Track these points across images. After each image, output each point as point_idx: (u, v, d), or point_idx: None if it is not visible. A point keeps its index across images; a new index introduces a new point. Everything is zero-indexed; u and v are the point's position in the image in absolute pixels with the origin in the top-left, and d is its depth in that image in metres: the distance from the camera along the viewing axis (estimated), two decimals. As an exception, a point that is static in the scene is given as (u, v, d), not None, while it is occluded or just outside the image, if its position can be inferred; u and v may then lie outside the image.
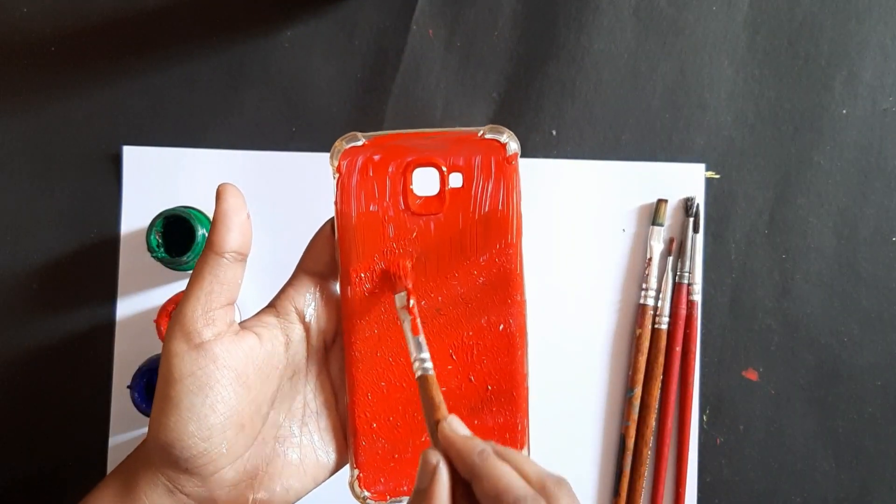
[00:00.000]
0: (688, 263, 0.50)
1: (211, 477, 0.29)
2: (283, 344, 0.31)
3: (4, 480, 0.48)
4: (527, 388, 0.32)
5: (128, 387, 0.45)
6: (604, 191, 0.50)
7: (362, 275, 0.31)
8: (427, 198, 0.31)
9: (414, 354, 0.29)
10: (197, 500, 0.29)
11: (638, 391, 0.50)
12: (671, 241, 0.50)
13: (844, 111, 0.51)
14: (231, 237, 0.29)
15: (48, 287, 0.49)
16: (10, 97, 0.49)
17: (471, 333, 0.31)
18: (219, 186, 0.30)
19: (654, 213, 0.50)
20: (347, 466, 0.32)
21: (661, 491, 0.50)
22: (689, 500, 0.50)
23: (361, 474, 0.32)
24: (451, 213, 0.31)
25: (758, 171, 0.51)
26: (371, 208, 0.31)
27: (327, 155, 0.50)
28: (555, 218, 0.50)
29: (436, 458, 0.26)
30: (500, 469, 0.25)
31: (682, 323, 0.50)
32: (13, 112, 0.49)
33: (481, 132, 0.30)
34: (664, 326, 0.50)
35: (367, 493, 0.31)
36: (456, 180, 0.31)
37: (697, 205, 0.50)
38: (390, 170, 0.30)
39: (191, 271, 0.47)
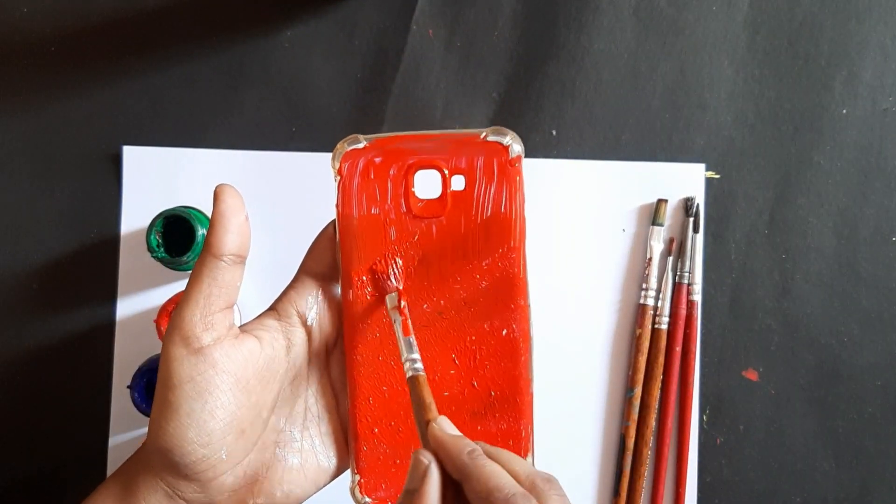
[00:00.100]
0: (688, 263, 0.50)
1: (210, 482, 0.29)
2: (285, 347, 0.30)
3: (4, 480, 0.48)
4: (531, 395, 0.31)
5: (128, 387, 0.45)
6: (604, 191, 0.50)
7: (364, 278, 0.31)
8: (429, 200, 0.30)
9: (405, 355, 0.29)
10: None
11: (638, 391, 0.50)
12: (671, 241, 0.50)
13: (844, 111, 0.51)
14: (229, 239, 0.29)
15: (48, 287, 0.49)
16: (10, 97, 0.49)
17: (473, 338, 0.31)
18: (216, 187, 0.29)
19: (654, 213, 0.50)
20: (348, 471, 0.32)
21: (661, 491, 0.50)
22: (689, 500, 0.50)
23: (362, 480, 0.31)
24: (453, 216, 0.30)
25: (758, 171, 0.51)
26: (373, 211, 0.30)
27: (327, 155, 0.49)
28: (555, 218, 0.50)
29: (427, 458, 0.26)
30: (490, 468, 0.25)
31: (682, 323, 0.50)
32: (13, 112, 0.49)
33: (484, 134, 0.30)
34: (664, 326, 0.50)
35: (368, 499, 0.31)
36: (458, 183, 0.30)
37: (697, 205, 0.50)
38: (392, 172, 0.30)
39: (190, 271, 0.47)
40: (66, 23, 0.49)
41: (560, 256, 0.50)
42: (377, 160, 0.30)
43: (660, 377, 0.50)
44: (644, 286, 0.50)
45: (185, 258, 0.44)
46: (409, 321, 0.29)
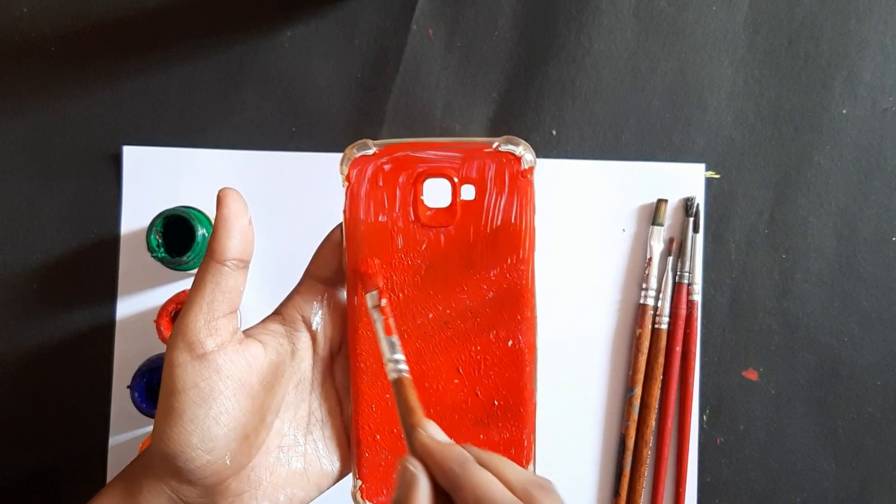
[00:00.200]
0: (688, 263, 0.50)
1: (214, 487, 0.29)
2: (289, 353, 0.30)
3: (4, 480, 0.48)
4: (534, 405, 0.31)
5: (128, 387, 0.45)
6: (604, 191, 0.50)
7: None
8: (438, 209, 0.30)
9: (387, 355, 0.28)
10: None
11: (638, 391, 0.50)
12: (671, 241, 0.50)
13: (844, 111, 0.51)
14: (232, 244, 0.28)
15: (48, 287, 0.49)
16: (10, 97, 0.49)
17: (478, 348, 0.30)
18: (220, 191, 0.29)
19: (654, 213, 0.50)
20: (350, 476, 0.32)
21: (661, 491, 0.50)
22: (689, 500, 0.50)
23: (364, 485, 0.31)
24: (462, 225, 0.30)
25: (758, 171, 0.51)
26: (380, 218, 0.30)
27: (327, 155, 0.50)
28: (555, 218, 0.50)
29: (414, 467, 0.25)
30: (480, 477, 0.24)
31: (682, 323, 0.50)
32: (13, 112, 0.49)
33: (496, 143, 0.29)
34: (664, 326, 0.50)
35: None
36: (468, 192, 0.30)
37: (697, 205, 0.50)
38: (401, 180, 0.30)
39: (191, 271, 0.47)
40: (66, 23, 0.49)
41: (560, 256, 0.50)
42: (386, 167, 0.30)
43: (660, 377, 0.50)
44: (644, 286, 0.50)
45: (185, 258, 0.44)
46: (391, 320, 0.29)
